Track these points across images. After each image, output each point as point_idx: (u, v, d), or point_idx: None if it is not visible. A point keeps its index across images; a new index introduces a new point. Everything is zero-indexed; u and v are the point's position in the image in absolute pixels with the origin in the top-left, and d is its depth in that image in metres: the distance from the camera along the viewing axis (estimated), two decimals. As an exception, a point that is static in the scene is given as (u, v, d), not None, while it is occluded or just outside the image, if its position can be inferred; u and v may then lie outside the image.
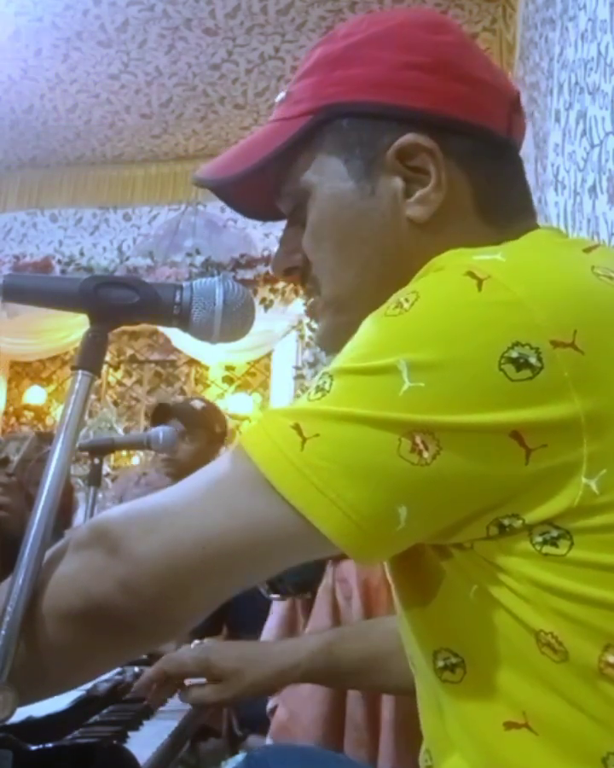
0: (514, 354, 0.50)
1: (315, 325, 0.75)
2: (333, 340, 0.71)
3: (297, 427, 0.53)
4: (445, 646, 0.59)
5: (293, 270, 0.73)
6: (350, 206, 0.68)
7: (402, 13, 0.72)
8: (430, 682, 0.62)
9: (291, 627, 1.65)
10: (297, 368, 5.26)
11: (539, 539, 0.52)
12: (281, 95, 0.72)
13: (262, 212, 0.78)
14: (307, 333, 5.18)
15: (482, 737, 0.57)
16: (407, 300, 0.54)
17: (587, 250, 0.61)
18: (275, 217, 0.77)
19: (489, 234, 0.66)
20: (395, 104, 0.67)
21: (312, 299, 0.73)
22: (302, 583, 1.59)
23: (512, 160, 0.71)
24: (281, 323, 5.22)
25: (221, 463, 0.57)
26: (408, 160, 0.66)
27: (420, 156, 0.66)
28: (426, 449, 0.50)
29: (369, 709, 1.38)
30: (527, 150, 2.90)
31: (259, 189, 0.73)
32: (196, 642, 1.18)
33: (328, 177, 0.68)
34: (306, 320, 5.07)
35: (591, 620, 0.52)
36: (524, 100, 3.05)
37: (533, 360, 0.50)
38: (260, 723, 1.69)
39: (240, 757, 0.89)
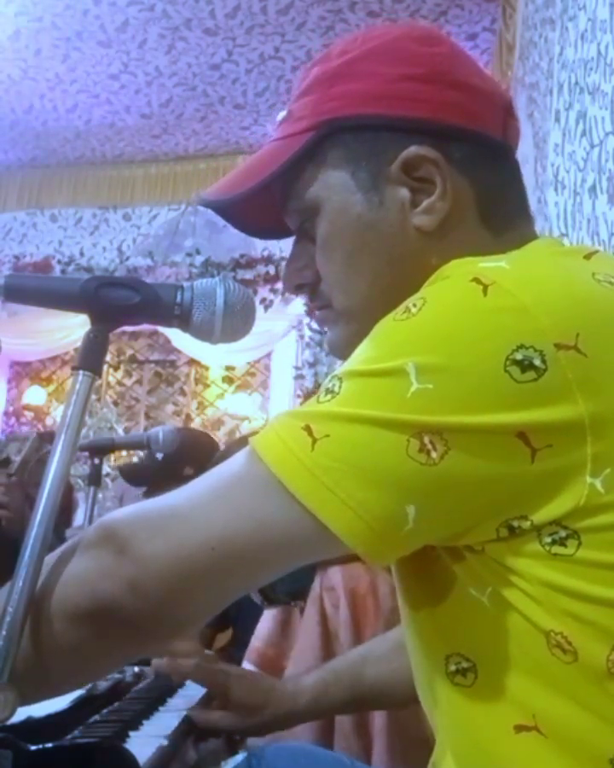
0: (519, 356, 0.51)
1: (315, 325, 0.76)
2: (345, 349, 0.71)
3: (307, 429, 0.53)
4: (457, 650, 0.59)
5: (304, 286, 0.74)
6: (359, 218, 0.69)
7: (396, 29, 0.74)
8: (433, 689, 0.62)
9: (284, 630, 1.65)
10: (297, 368, 5.27)
11: (548, 540, 0.53)
12: (282, 113, 0.74)
13: (269, 231, 0.79)
14: (307, 333, 5.19)
15: (488, 742, 0.57)
16: (415, 305, 0.55)
17: (587, 257, 0.62)
18: (282, 235, 0.78)
19: (488, 238, 0.67)
20: (394, 115, 0.68)
21: (324, 313, 0.74)
22: (295, 591, 1.60)
23: (510, 163, 0.72)
24: (281, 323, 5.23)
25: (231, 465, 0.58)
26: (413, 171, 0.68)
27: (425, 167, 0.67)
28: (434, 449, 0.51)
29: (357, 717, 1.38)
30: (527, 150, 2.90)
31: (265, 207, 0.74)
32: (208, 652, 1.18)
33: (336, 190, 0.69)
34: (306, 320, 5.07)
35: (599, 620, 0.52)
36: (523, 100, 3.03)
37: (537, 362, 0.51)
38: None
39: (240, 756, 0.89)
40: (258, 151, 0.74)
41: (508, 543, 0.54)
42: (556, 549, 0.53)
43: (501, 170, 0.71)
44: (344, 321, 0.72)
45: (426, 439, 0.51)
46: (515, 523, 0.53)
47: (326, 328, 0.76)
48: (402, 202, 0.68)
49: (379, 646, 1.08)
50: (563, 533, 0.52)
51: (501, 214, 0.69)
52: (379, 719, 1.34)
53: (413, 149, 0.67)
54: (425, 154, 0.67)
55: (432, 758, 0.66)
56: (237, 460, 0.57)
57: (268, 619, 1.67)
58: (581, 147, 1.97)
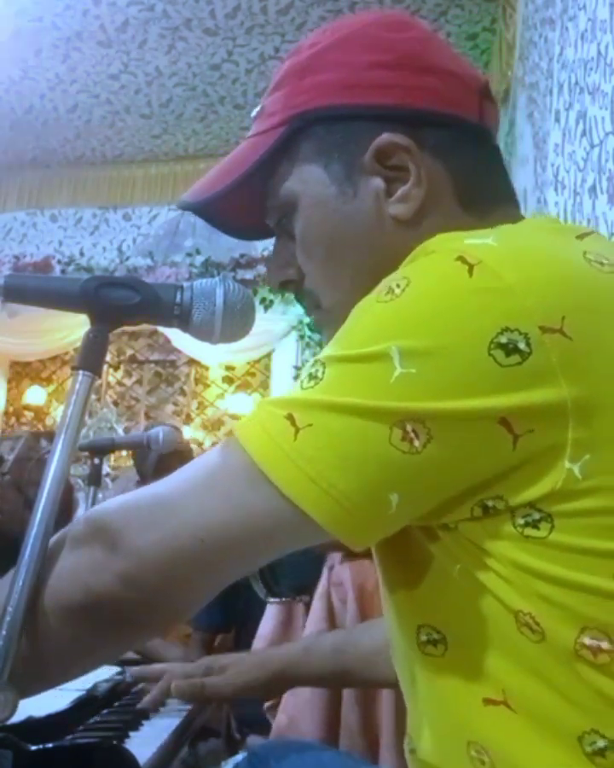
0: (503, 340, 0.50)
1: (312, 327, 0.76)
2: None
3: (290, 417, 0.53)
4: (427, 622, 0.60)
5: (288, 283, 0.74)
6: (335, 211, 0.68)
7: (365, 16, 0.73)
8: (409, 660, 0.63)
9: (286, 630, 1.65)
10: (297, 368, 5.26)
11: (521, 521, 0.53)
12: (256, 109, 0.73)
13: (251, 230, 0.78)
14: (307, 333, 5.19)
15: (460, 713, 0.58)
16: (398, 286, 0.54)
17: (580, 236, 0.61)
18: (264, 235, 0.77)
19: (470, 222, 0.66)
20: (365, 104, 0.67)
21: (316, 316, 0.73)
22: (299, 586, 1.60)
23: (488, 147, 0.71)
24: (281, 323, 5.23)
25: (215, 454, 0.58)
26: (386, 160, 0.67)
27: (398, 155, 0.66)
28: (417, 437, 0.51)
29: (364, 715, 1.38)
30: (527, 150, 2.90)
31: (245, 207, 0.73)
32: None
33: (310, 184, 0.69)
34: (306, 320, 5.07)
35: (568, 603, 0.52)
36: (523, 100, 3.02)
37: (522, 346, 0.50)
38: (259, 723, 1.69)
39: (240, 756, 0.89)
40: (233, 150, 0.73)
41: (482, 522, 0.54)
42: (529, 531, 0.53)
43: (479, 154, 0.70)
44: (336, 320, 0.70)
45: (409, 428, 0.51)
46: (490, 502, 0.53)
47: (321, 333, 0.75)
48: (376, 192, 0.67)
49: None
50: (536, 516, 0.52)
51: (481, 198, 0.68)
52: (386, 718, 1.35)
53: (384, 137, 0.66)
54: (397, 141, 0.66)
55: (408, 731, 0.67)
56: (221, 449, 0.57)
57: (270, 618, 1.67)
58: (581, 147, 1.97)
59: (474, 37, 4.30)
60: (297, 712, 1.38)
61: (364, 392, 0.52)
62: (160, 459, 2.80)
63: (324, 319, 0.72)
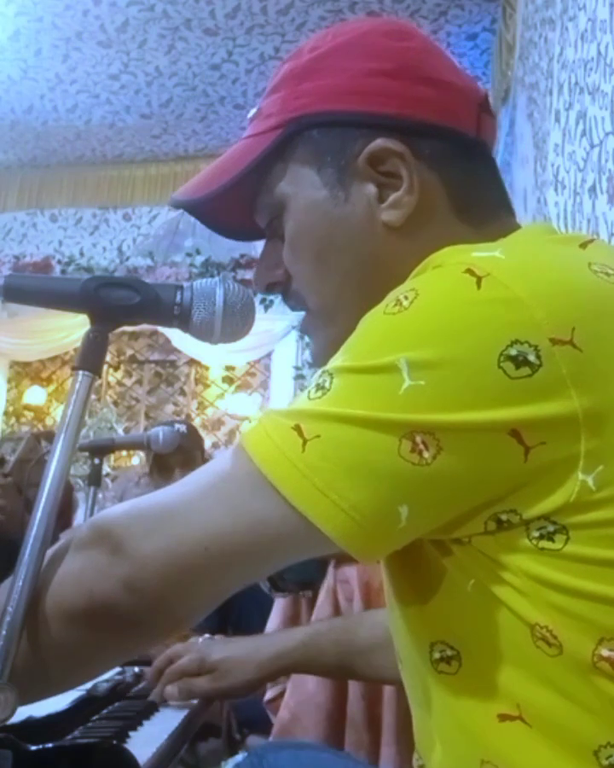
0: (513, 352, 0.50)
1: (308, 339, 0.75)
2: (327, 355, 0.71)
3: (297, 428, 0.53)
4: (441, 638, 0.59)
5: (275, 285, 0.74)
6: (325, 214, 0.68)
7: (367, 23, 0.73)
8: (421, 676, 0.62)
9: (293, 625, 1.65)
10: (297, 368, 5.27)
11: (536, 534, 0.52)
12: (252, 111, 0.73)
13: (242, 231, 0.78)
14: (307, 333, 5.19)
15: (474, 730, 0.57)
16: (406, 298, 0.54)
17: (583, 245, 0.61)
18: (255, 236, 0.77)
19: (466, 233, 0.66)
20: (362, 111, 0.67)
21: (305, 319, 0.73)
22: (303, 581, 1.60)
23: (484, 160, 0.71)
24: (281, 323, 5.23)
25: (221, 463, 0.57)
26: (380, 166, 0.67)
27: (391, 161, 0.66)
28: (427, 449, 0.51)
29: (369, 711, 1.38)
30: (527, 150, 2.90)
31: (237, 207, 0.73)
32: (206, 636, 1.20)
33: (302, 187, 0.69)
34: (306, 320, 5.07)
35: (585, 614, 0.52)
36: (523, 100, 3.02)
37: (532, 358, 0.50)
38: (260, 723, 1.69)
39: (240, 756, 0.89)
40: (227, 150, 0.73)
41: (496, 536, 0.54)
42: (544, 543, 0.52)
43: (474, 166, 0.70)
44: (321, 323, 0.71)
45: (418, 439, 0.50)
46: (504, 516, 0.53)
47: (309, 336, 0.75)
48: (368, 198, 0.67)
49: (382, 611, 1.09)
50: (551, 528, 0.52)
51: (477, 209, 0.68)
52: (387, 715, 1.35)
53: (379, 142, 0.66)
54: (391, 147, 0.66)
55: (416, 746, 0.66)
56: (228, 457, 0.57)
57: (276, 618, 1.67)
58: (581, 147, 1.97)
59: (474, 37, 4.31)
60: (300, 708, 1.38)
61: (372, 404, 0.52)
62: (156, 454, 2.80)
63: (311, 322, 0.72)
